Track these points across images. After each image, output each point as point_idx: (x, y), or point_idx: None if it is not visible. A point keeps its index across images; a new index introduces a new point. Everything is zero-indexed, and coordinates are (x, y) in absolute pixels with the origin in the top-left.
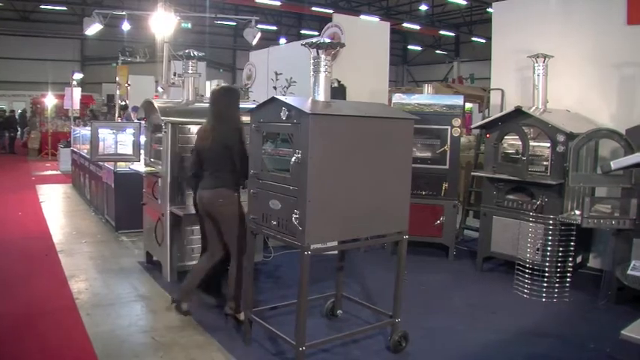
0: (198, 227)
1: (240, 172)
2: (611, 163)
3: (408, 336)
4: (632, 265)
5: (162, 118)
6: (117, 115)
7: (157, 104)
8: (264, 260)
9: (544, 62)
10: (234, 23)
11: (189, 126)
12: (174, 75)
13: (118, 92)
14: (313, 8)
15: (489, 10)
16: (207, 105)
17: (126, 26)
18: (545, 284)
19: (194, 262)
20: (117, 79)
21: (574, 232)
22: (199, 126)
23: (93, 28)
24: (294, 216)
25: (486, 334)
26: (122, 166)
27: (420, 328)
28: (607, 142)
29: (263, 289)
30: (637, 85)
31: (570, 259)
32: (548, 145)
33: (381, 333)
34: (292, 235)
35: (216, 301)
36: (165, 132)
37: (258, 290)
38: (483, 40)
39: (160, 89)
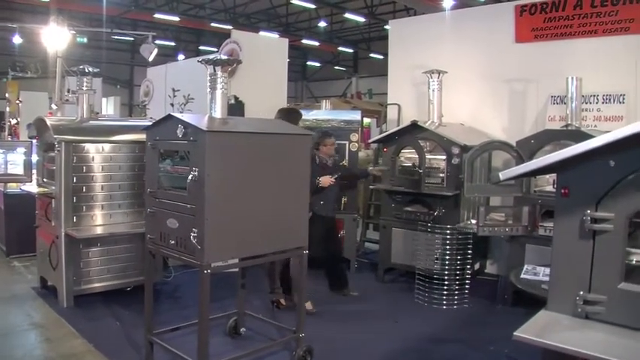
0: (95, 249)
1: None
2: (500, 174)
3: (313, 350)
4: (524, 269)
5: (56, 136)
6: (7, 133)
7: (49, 122)
8: (164, 280)
9: (438, 78)
10: (132, 38)
11: (83, 144)
12: (69, 91)
13: (8, 109)
14: (212, 24)
15: (386, 27)
16: (102, 123)
17: (17, 40)
18: (445, 292)
19: (92, 285)
20: (7, 95)
21: (471, 241)
22: (100, 144)
23: None
24: (192, 234)
25: (390, 344)
26: (13, 187)
27: (324, 342)
28: (500, 153)
29: (164, 310)
30: (526, 99)
31: (468, 266)
32: (444, 157)
33: (286, 348)
34: (191, 254)
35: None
36: (58, 151)
37: (159, 311)
38: (381, 57)
39: (53, 106)
